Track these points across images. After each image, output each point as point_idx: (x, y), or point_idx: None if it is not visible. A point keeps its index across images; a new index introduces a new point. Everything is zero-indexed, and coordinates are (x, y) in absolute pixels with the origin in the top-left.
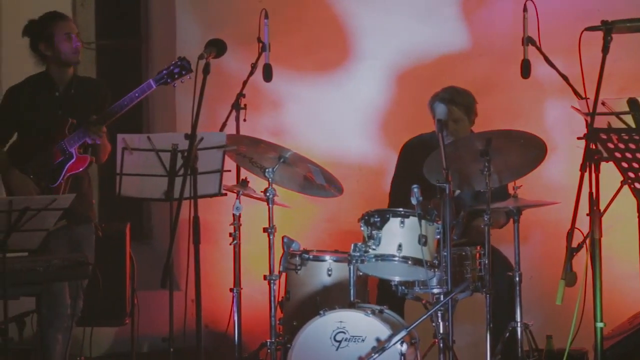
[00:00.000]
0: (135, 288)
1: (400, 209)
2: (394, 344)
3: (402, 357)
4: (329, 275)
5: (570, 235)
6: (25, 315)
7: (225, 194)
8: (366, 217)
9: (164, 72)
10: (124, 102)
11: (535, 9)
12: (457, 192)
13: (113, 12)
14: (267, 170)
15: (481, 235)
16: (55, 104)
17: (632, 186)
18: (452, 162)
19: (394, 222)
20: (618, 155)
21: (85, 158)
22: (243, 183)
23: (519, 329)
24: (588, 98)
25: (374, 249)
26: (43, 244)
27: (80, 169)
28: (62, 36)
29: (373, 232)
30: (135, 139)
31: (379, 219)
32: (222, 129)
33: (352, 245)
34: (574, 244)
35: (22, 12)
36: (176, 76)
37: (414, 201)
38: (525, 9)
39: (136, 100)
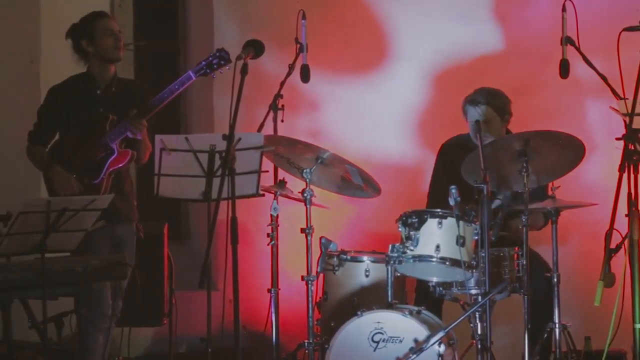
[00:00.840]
0: (174, 288)
1: (438, 210)
2: (432, 344)
3: (440, 358)
4: (367, 276)
5: (608, 236)
6: (64, 315)
7: (263, 195)
8: (404, 218)
9: (203, 63)
10: (163, 95)
11: (574, 9)
12: (497, 202)
13: (151, 13)
14: (304, 170)
15: (518, 235)
16: (97, 102)
17: None
18: (490, 162)
19: (431, 223)
20: None
21: (127, 152)
22: (281, 184)
23: (557, 330)
24: (627, 98)
25: (411, 250)
26: (84, 244)
27: (122, 164)
28: (103, 32)
29: (411, 232)
30: (173, 140)
31: (416, 220)
32: (259, 130)
33: (390, 246)
34: (613, 245)
35: (61, 14)
36: (215, 67)
37: (451, 202)
38: (564, 9)
39: (176, 93)
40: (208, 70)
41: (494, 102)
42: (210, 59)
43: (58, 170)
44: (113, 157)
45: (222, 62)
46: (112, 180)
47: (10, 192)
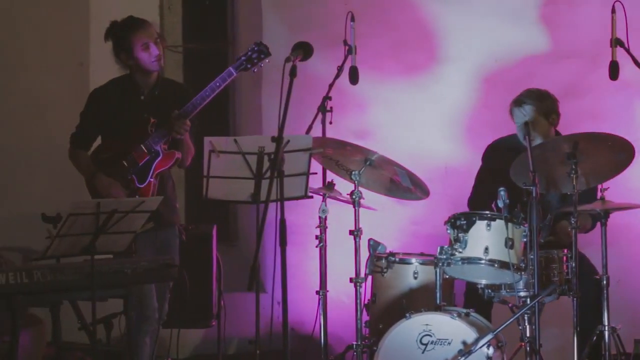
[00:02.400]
0: (222, 290)
1: (487, 212)
2: (481, 347)
3: None
4: (415, 278)
5: None
6: (113, 317)
7: (312, 197)
8: (452, 220)
9: (243, 58)
10: (205, 93)
11: (624, 10)
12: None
13: (200, 15)
14: (353, 172)
15: (566, 237)
16: (140, 107)
17: None
18: (539, 164)
19: (480, 225)
20: None
21: (173, 154)
22: (329, 186)
23: (606, 333)
24: None
25: (460, 252)
26: (130, 246)
27: (168, 166)
28: (140, 46)
29: (459, 234)
30: (222, 142)
31: (465, 222)
32: (308, 132)
33: (439, 248)
34: None
35: (111, 16)
36: (255, 61)
37: (500, 204)
38: (613, 10)
39: (217, 90)
40: (249, 65)
41: (540, 103)
42: (250, 53)
43: (102, 177)
44: (159, 159)
45: (262, 56)
46: (158, 182)
47: (60, 194)
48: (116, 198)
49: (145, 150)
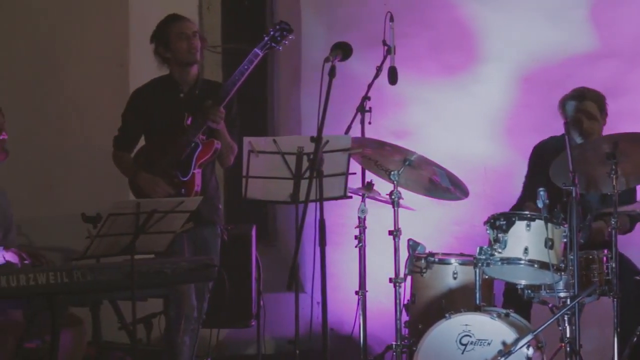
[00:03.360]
0: (261, 290)
1: (526, 212)
2: (520, 347)
3: None
4: (455, 278)
5: None
6: (153, 316)
7: (351, 197)
8: (492, 220)
9: (266, 38)
10: (235, 78)
11: None
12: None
13: (239, 15)
14: (392, 173)
15: (599, 237)
16: (180, 105)
17: None
18: (578, 164)
19: (520, 225)
20: None
21: (212, 142)
22: (368, 186)
23: None
24: None
25: (500, 252)
26: (169, 246)
27: (209, 155)
28: (177, 36)
29: (499, 235)
30: (261, 142)
31: (504, 222)
32: (347, 132)
33: (478, 248)
34: None
35: (150, 17)
36: (279, 39)
37: (539, 204)
38: None
39: (246, 73)
40: (273, 44)
41: (596, 98)
42: (272, 32)
43: (144, 175)
44: (198, 150)
45: (285, 33)
46: (201, 177)
47: (100, 194)
48: (161, 195)
49: (184, 144)
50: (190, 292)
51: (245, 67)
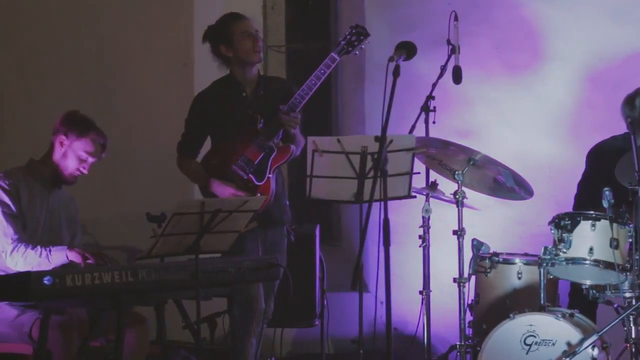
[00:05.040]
0: (325, 290)
1: (592, 212)
2: (585, 348)
3: None
4: (519, 278)
5: None
6: (217, 315)
7: (415, 196)
8: (556, 220)
9: (343, 42)
10: (311, 82)
11: None
12: None
13: (303, 15)
14: (456, 172)
15: None
16: (244, 105)
17: None
18: None
19: (585, 225)
20: None
21: (288, 147)
22: (432, 185)
23: None
24: None
25: (564, 252)
26: (238, 246)
27: (284, 160)
28: (240, 35)
29: (564, 235)
30: (326, 142)
31: (569, 222)
32: (411, 132)
33: (543, 248)
34: None
35: (214, 15)
36: (355, 43)
37: (605, 204)
38: None
39: (323, 78)
40: (350, 49)
41: None
42: (348, 37)
43: (218, 184)
44: (274, 154)
45: (362, 38)
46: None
47: (164, 194)
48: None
49: (258, 148)
50: (259, 292)
51: (322, 71)
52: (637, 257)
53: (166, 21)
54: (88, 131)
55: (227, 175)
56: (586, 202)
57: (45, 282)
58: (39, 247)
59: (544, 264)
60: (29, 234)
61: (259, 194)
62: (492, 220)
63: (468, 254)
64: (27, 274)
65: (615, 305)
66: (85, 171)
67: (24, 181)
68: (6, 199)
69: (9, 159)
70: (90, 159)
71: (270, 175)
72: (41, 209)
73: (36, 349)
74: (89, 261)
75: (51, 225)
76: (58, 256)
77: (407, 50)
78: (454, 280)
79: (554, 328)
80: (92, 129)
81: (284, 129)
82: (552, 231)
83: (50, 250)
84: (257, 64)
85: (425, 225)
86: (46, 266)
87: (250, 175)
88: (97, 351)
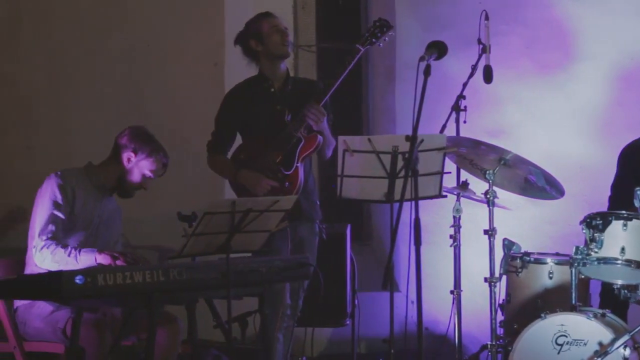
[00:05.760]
0: (356, 289)
1: (623, 212)
2: (617, 348)
3: None
4: (550, 278)
5: None
6: (248, 315)
7: (446, 196)
8: (588, 220)
9: (367, 34)
10: (336, 74)
11: None
12: None
13: (333, 14)
14: (487, 172)
15: None
16: (273, 100)
17: None
18: None
19: (616, 225)
20: None
21: (315, 137)
22: (463, 185)
23: None
24: None
25: (596, 252)
26: (266, 244)
27: (312, 149)
28: (269, 29)
29: (595, 234)
30: (356, 141)
31: (601, 222)
32: (442, 131)
33: (574, 247)
34: None
35: (245, 16)
36: (379, 34)
37: (637, 203)
38: None
39: (347, 69)
40: (373, 40)
41: None
42: (372, 29)
43: (246, 173)
44: (301, 144)
45: (385, 29)
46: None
47: (195, 193)
48: (265, 189)
49: (286, 140)
50: (284, 290)
51: (346, 63)
52: None
53: (197, 21)
54: (157, 152)
55: (256, 166)
56: (620, 204)
57: (77, 281)
58: (69, 247)
59: (576, 264)
60: (76, 235)
61: (287, 184)
62: (523, 220)
63: (499, 254)
64: (58, 273)
65: None
66: (146, 187)
67: (82, 183)
68: (59, 197)
69: (40, 161)
70: (153, 177)
71: (299, 165)
72: (93, 212)
73: (68, 347)
74: (119, 262)
75: (98, 229)
76: (87, 258)
77: (438, 49)
78: (485, 279)
79: (586, 328)
80: (160, 149)
81: (309, 122)
82: (584, 231)
83: (79, 252)
84: (285, 60)
85: (456, 224)
86: (73, 266)
87: (279, 165)
88: (128, 350)
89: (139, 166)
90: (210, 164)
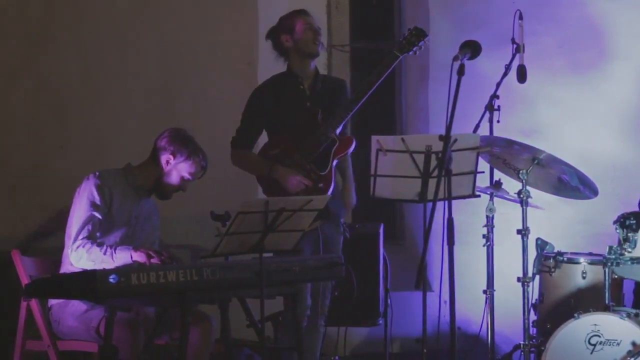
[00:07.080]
0: (389, 289)
1: None
2: None
3: None
4: (584, 277)
5: None
6: (281, 314)
7: (479, 196)
8: (622, 220)
9: (403, 41)
10: (372, 78)
11: None
12: None
13: (367, 14)
14: (520, 171)
15: None
16: (302, 98)
17: None
18: None
19: None
20: None
21: (350, 138)
22: (496, 184)
23: None
24: None
25: (629, 252)
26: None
27: (347, 150)
28: (302, 26)
29: (629, 234)
30: (389, 141)
31: (634, 222)
32: (475, 131)
33: (608, 247)
34: None
35: (278, 15)
36: (415, 42)
37: None
38: None
39: (384, 74)
40: (410, 47)
41: None
42: (407, 36)
43: (281, 169)
44: (336, 145)
45: (420, 37)
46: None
47: (229, 193)
48: (299, 188)
49: (320, 140)
50: (304, 290)
51: (383, 68)
52: None
53: (230, 21)
54: (196, 154)
55: (288, 165)
56: None
57: (111, 280)
58: (104, 245)
59: (609, 264)
60: (113, 235)
61: (320, 184)
62: (556, 220)
63: (532, 253)
64: (92, 272)
65: None
66: (184, 190)
67: (120, 184)
68: (97, 197)
69: (74, 160)
70: (192, 180)
71: (332, 167)
72: (130, 213)
73: (102, 346)
74: (154, 260)
75: (135, 230)
76: (122, 256)
77: (471, 49)
78: (518, 279)
79: (619, 328)
80: (199, 151)
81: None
82: (617, 230)
83: (115, 249)
84: (315, 60)
85: (489, 224)
86: (109, 265)
87: (312, 165)
88: (161, 349)
89: (178, 169)
90: (235, 158)
